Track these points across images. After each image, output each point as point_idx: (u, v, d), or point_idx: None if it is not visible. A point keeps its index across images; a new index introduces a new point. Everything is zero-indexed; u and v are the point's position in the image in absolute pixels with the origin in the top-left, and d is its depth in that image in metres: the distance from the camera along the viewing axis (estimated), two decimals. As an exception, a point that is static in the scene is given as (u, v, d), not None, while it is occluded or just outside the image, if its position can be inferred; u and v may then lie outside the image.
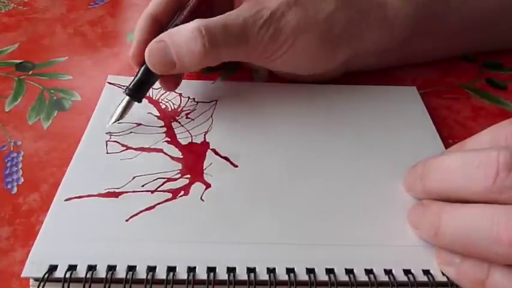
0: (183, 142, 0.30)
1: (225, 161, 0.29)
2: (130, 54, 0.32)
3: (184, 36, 0.29)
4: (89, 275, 0.22)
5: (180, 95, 0.35)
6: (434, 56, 0.39)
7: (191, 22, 0.29)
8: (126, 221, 0.25)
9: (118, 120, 0.30)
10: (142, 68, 0.31)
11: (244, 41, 0.30)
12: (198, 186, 0.27)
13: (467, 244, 0.21)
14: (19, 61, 0.40)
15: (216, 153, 0.29)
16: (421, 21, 0.34)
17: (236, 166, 0.28)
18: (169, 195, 0.26)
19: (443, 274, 0.23)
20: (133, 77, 0.31)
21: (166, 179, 0.27)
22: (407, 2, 0.33)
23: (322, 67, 0.34)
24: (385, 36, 0.34)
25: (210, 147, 0.30)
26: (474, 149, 0.24)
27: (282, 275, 0.22)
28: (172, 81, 0.33)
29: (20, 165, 0.30)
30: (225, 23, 0.29)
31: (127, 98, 0.30)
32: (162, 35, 0.30)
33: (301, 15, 0.30)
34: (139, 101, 0.31)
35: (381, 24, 0.33)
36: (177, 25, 0.30)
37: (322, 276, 0.22)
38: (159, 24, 0.32)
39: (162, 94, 0.35)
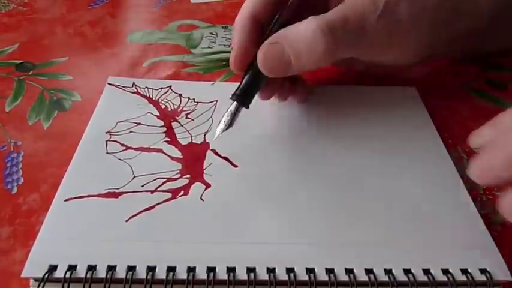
0: (183, 142, 0.30)
1: (225, 161, 0.29)
2: (232, 59, 0.30)
3: (304, 36, 0.27)
4: (88, 275, 0.22)
5: (180, 95, 0.35)
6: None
7: (306, 21, 0.27)
8: (126, 221, 0.25)
9: (227, 128, 0.28)
10: (251, 72, 0.29)
11: (364, 35, 0.28)
12: (198, 186, 0.27)
13: None
14: (19, 61, 0.40)
15: (216, 153, 0.29)
16: (503, 7, 0.33)
17: (236, 166, 0.29)
18: (169, 195, 0.26)
19: (443, 274, 0.23)
20: (239, 83, 0.29)
21: (166, 179, 0.27)
22: None
23: (422, 55, 0.33)
24: (474, 24, 0.33)
25: (210, 148, 0.30)
26: None
27: (282, 275, 0.22)
28: (272, 90, 0.32)
29: (20, 165, 0.30)
30: (345, 19, 0.27)
31: (235, 104, 0.29)
32: (275, 37, 0.28)
33: (413, 3, 0.29)
34: (247, 107, 0.29)
35: (472, 13, 0.32)
36: (282, 24, 0.29)
37: (322, 276, 0.22)
38: (260, 25, 0.30)
39: (163, 94, 0.35)
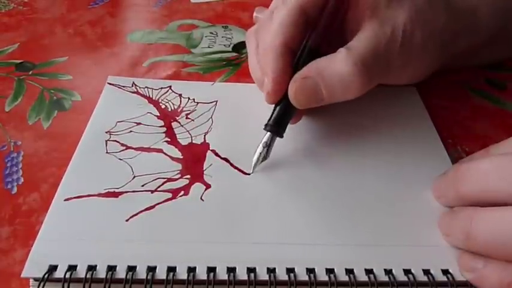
0: (183, 142, 0.30)
1: (225, 162, 0.29)
2: (268, 90, 0.29)
3: (339, 73, 0.27)
4: (89, 275, 0.22)
5: (180, 95, 0.35)
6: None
7: (339, 55, 0.27)
8: (126, 221, 0.25)
9: (263, 160, 0.28)
10: (283, 103, 0.29)
11: (388, 65, 0.29)
12: (198, 187, 0.27)
13: (501, 246, 0.21)
14: (19, 61, 0.39)
15: (216, 154, 0.29)
16: (502, 26, 0.34)
17: (236, 167, 0.28)
18: (169, 195, 0.26)
19: (443, 274, 0.23)
20: (271, 112, 0.29)
21: (166, 179, 0.27)
22: (493, 9, 0.33)
23: (430, 73, 0.34)
24: (473, 41, 0.34)
25: (210, 148, 0.30)
26: (508, 152, 0.24)
27: (282, 275, 0.22)
28: (302, 114, 0.31)
29: (20, 165, 0.30)
30: (375, 52, 0.28)
31: (268, 134, 0.28)
32: (308, 70, 0.28)
33: (425, 29, 0.30)
34: (281, 136, 0.29)
35: (472, 31, 0.33)
36: (311, 51, 0.29)
37: (322, 276, 0.22)
38: (293, 52, 0.29)
39: (163, 94, 0.35)
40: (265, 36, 0.30)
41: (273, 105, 0.29)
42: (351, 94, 0.28)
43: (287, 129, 0.29)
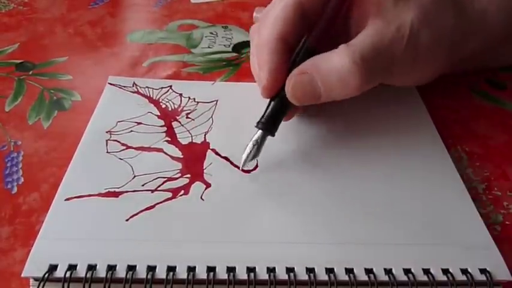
0: (183, 142, 0.30)
1: (225, 161, 0.29)
2: (263, 85, 0.28)
3: (338, 69, 0.27)
4: (88, 275, 0.22)
5: (181, 95, 0.35)
6: None
7: (338, 52, 0.27)
8: (126, 220, 0.25)
9: (254, 158, 0.28)
10: (277, 100, 0.28)
11: (392, 64, 0.28)
12: (198, 186, 0.27)
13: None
14: (19, 61, 0.39)
15: (216, 153, 0.29)
16: (510, 27, 0.34)
17: (236, 166, 0.28)
18: (169, 194, 0.26)
19: (443, 273, 0.23)
20: (265, 110, 0.28)
21: (166, 179, 0.27)
22: (502, 11, 0.33)
23: (437, 75, 0.33)
24: (482, 43, 0.33)
25: (210, 147, 0.30)
26: None
27: (282, 275, 0.22)
28: (295, 112, 0.31)
29: (20, 165, 0.30)
30: (376, 49, 0.27)
31: (260, 132, 0.28)
32: (305, 66, 0.27)
33: (432, 30, 0.29)
34: (273, 135, 0.28)
35: (481, 34, 0.33)
36: (309, 49, 0.28)
37: (322, 276, 0.22)
38: (289, 47, 0.29)
39: (163, 94, 0.35)
40: (262, 32, 0.30)
41: (268, 102, 0.29)
42: (350, 91, 0.27)
43: (287, 130, 0.29)
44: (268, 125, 0.28)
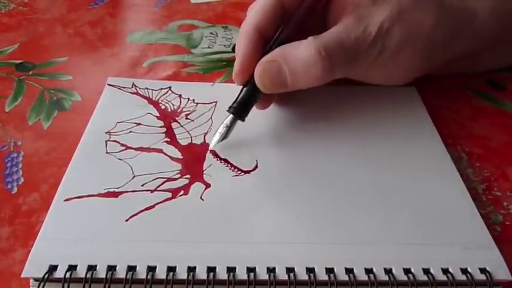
0: (183, 143, 0.30)
1: (224, 162, 0.29)
2: (235, 71, 0.30)
3: (302, 58, 0.28)
4: (89, 275, 0.22)
5: (180, 96, 0.35)
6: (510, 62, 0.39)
7: (305, 42, 0.28)
8: (126, 220, 0.25)
9: (222, 140, 0.29)
10: (248, 86, 0.29)
11: (355, 59, 0.29)
12: (197, 186, 0.27)
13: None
14: (19, 61, 0.40)
15: (215, 154, 0.29)
16: (503, 30, 0.34)
17: (236, 167, 0.28)
18: (169, 194, 0.26)
19: (443, 273, 0.23)
20: (237, 95, 0.30)
21: (166, 179, 0.27)
22: (494, 14, 0.33)
23: (414, 76, 0.34)
24: (470, 47, 0.34)
25: (210, 149, 0.30)
26: None
27: (282, 275, 0.22)
28: (269, 100, 0.32)
29: (20, 165, 0.30)
30: (341, 43, 0.28)
31: (231, 116, 0.29)
32: (274, 54, 0.29)
33: (405, 30, 0.30)
34: (243, 120, 0.29)
35: (469, 36, 0.33)
36: (282, 41, 0.29)
37: (322, 276, 0.22)
38: (264, 38, 0.30)
39: (162, 95, 0.35)
40: (243, 23, 0.31)
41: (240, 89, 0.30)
42: (312, 80, 0.29)
43: (285, 129, 0.29)
44: (239, 110, 0.29)
